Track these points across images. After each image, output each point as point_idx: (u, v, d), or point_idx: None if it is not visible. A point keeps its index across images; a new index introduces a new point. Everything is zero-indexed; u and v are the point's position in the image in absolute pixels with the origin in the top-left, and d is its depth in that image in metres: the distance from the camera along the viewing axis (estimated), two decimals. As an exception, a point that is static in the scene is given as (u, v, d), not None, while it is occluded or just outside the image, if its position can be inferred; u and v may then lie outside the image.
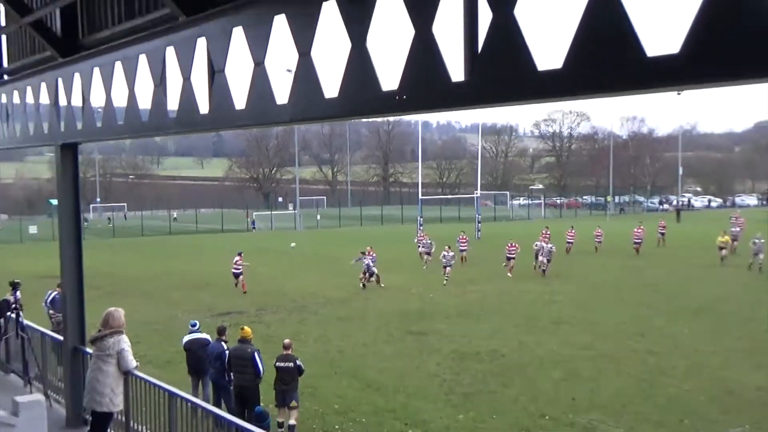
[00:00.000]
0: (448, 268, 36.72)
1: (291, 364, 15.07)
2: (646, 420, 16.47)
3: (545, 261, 39.23)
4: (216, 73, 7.76)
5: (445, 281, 35.81)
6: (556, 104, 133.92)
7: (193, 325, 17.27)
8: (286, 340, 16.09)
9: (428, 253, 43.50)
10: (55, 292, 18.35)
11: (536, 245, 40.74)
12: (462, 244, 45.10)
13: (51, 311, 19.17)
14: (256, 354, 14.89)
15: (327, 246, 57.94)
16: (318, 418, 16.80)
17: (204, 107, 8.07)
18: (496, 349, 23.06)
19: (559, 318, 27.49)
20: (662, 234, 52.91)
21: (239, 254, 36.00)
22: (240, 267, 35.42)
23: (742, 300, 30.97)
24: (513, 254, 39.41)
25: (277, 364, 15.29)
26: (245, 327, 16.30)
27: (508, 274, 38.44)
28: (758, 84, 3.75)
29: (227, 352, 15.50)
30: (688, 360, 21.49)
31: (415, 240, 49.29)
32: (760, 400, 17.75)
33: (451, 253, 37.78)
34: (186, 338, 17.12)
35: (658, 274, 38.90)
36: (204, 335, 17.04)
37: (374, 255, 36.63)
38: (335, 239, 64.77)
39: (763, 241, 39.72)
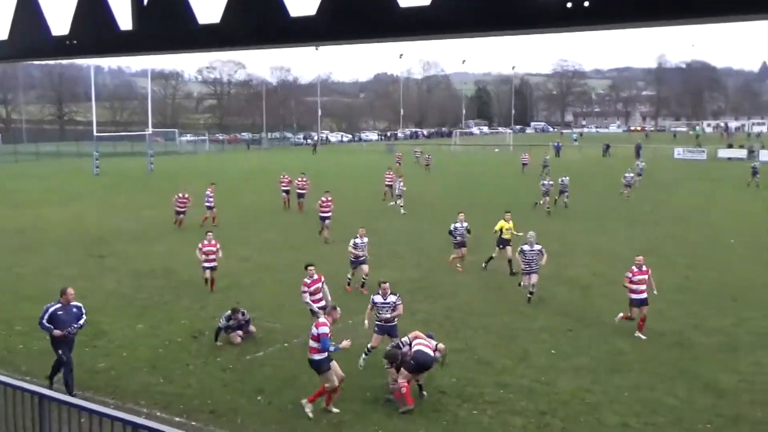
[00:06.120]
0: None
1: None
2: (298, 314, 17.04)
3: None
4: None
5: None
6: (217, 54, 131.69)
7: None
8: None
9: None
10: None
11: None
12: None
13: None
14: None
15: (3, 180, 52.04)
16: (1, 340, 15.31)
17: None
18: (169, 267, 22.59)
19: (225, 235, 27.38)
20: (388, 186, 39.34)
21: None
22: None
23: (369, 216, 33.28)
24: (183, 207, 30.42)
25: None
26: None
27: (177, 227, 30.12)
28: (501, 36, 3.76)
29: None
30: (330, 264, 22.56)
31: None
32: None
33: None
34: None
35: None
36: None
37: None
38: (12, 173, 58.38)
39: (556, 181, 35.57)
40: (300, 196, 34.88)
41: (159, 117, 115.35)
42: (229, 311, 15.47)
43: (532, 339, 15.37)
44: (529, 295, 18.01)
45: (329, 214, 27.67)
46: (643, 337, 15.32)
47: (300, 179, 35.40)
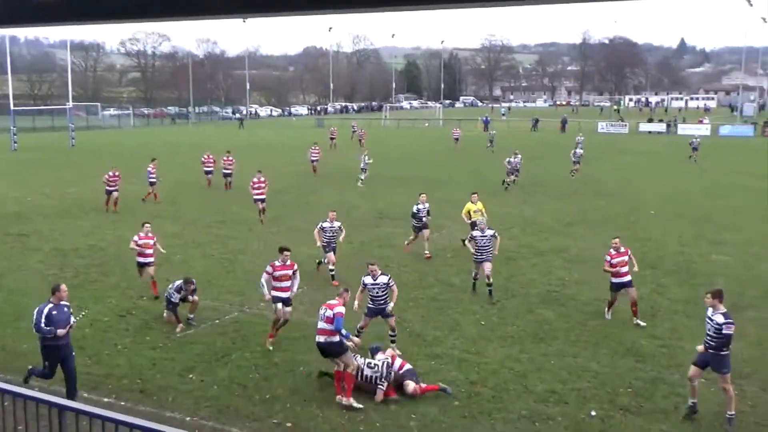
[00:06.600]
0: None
1: None
2: (229, 291, 17.04)
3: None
4: None
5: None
6: (139, 25, 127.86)
7: None
8: None
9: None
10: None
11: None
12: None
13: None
14: None
15: None
16: None
17: None
18: (94, 244, 21.99)
19: (154, 212, 26.80)
20: (314, 160, 39.93)
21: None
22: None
23: (300, 191, 33.13)
24: (114, 186, 27.89)
25: None
26: None
27: (113, 209, 27.61)
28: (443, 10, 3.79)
29: None
30: (261, 240, 22.50)
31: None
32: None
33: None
34: None
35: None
36: None
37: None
38: None
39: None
40: (226, 176, 33.46)
41: (80, 90, 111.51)
42: (181, 281, 14.70)
43: (462, 310, 15.63)
44: (489, 288, 16.41)
45: (263, 196, 25.86)
46: (642, 323, 14.46)
47: (225, 158, 33.89)
